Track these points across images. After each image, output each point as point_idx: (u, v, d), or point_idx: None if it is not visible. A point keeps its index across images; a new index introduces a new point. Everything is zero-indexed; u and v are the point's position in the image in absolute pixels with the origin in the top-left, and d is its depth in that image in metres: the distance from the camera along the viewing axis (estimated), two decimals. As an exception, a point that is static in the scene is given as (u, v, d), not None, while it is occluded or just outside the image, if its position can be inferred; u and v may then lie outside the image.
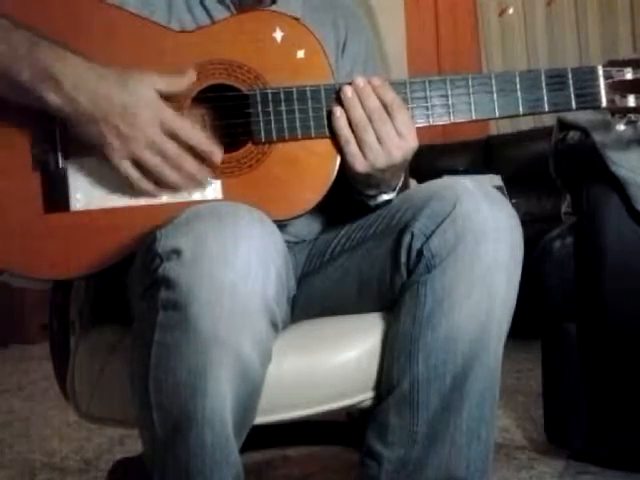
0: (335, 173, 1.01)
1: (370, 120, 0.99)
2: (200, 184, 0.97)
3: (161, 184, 0.95)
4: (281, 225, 0.96)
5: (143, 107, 0.92)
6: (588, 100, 1.05)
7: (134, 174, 0.94)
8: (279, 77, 1.00)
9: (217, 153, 0.96)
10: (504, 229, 0.95)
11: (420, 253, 0.96)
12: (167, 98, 0.95)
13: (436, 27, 4.42)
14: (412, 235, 0.97)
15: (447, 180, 1.02)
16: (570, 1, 4.18)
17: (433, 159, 3.66)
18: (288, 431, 1.24)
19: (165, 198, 0.97)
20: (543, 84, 1.03)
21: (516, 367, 2.49)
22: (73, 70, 0.91)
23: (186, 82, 0.97)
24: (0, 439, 2.20)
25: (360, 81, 1.00)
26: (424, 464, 0.96)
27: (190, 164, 0.95)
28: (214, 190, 0.98)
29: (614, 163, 1.50)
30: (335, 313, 1.09)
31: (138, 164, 0.93)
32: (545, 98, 1.04)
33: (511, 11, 4.33)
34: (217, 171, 0.98)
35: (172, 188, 0.96)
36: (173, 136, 0.94)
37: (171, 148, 0.93)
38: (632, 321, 1.53)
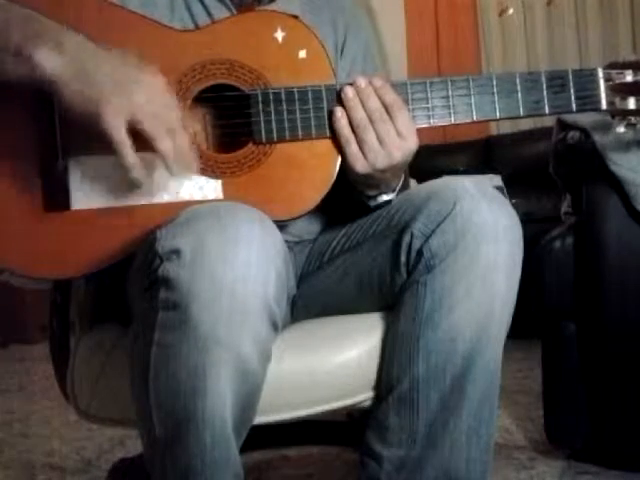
0: (335, 173, 1.01)
1: (371, 120, 0.99)
2: (188, 163, 0.92)
3: (147, 163, 0.90)
4: (281, 225, 0.96)
5: (142, 73, 0.89)
6: (588, 102, 1.05)
7: (124, 138, 0.87)
8: (280, 77, 1.00)
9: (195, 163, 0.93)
10: (504, 229, 0.95)
11: (420, 253, 0.96)
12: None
13: (436, 27, 4.41)
14: (412, 235, 0.97)
15: (447, 180, 1.02)
16: (570, 1, 4.18)
17: (433, 159, 3.65)
18: (288, 431, 1.24)
19: (166, 197, 0.97)
20: (544, 86, 1.04)
21: (516, 367, 2.49)
22: (71, 34, 0.89)
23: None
24: (0, 439, 2.20)
25: (361, 82, 1.00)
26: (424, 464, 0.96)
27: (183, 138, 0.90)
28: (214, 190, 0.98)
29: (614, 163, 1.50)
30: (335, 313, 1.09)
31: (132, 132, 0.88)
32: (545, 100, 1.04)
33: (511, 11, 4.33)
34: (218, 171, 0.98)
35: (155, 165, 0.91)
36: (168, 107, 0.90)
37: (168, 117, 0.89)
38: (632, 321, 1.53)
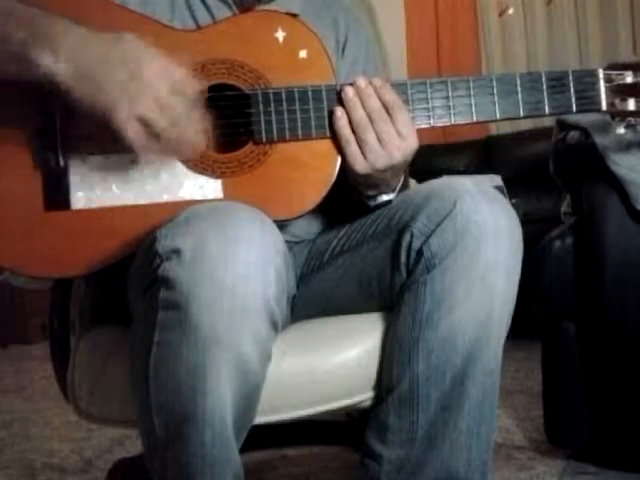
0: (336, 173, 1.01)
1: (371, 120, 0.99)
2: (198, 150, 0.93)
3: (161, 149, 0.91)
4: (281, 225, 0.96)
5: (145, 59, 0.89)
6: (588, 103, 1.05)
7: (139, 136, 0.88)
8: (281, 77, 1.00)
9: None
10: (504, 229, 0.95)
11: (420, 253, 0.96)
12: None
13: (436, 27, 4.42)
14: (412, 235, 0.97)
15: (447, 180, 1.02)
16: (570, 1, 4.18)
17: (433, 159, 3.65)
18: (288, 431, 1.24)
19: (166, 197, 0.97)
20: (544, 87, 1.04)
21: (516, 367, 2.50)
22: (72, 32, 0.88)
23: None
24: (0, 439, 2.20)
25: (361, 82, 1.00)
26: (424, 464, 0.96)
27: (191, 127, 0.91)
28: (214, 190, 0.98)
29: (614, 163, 1.50)
30: (335, 313, 1.09)
31: (144, 126, 0.88)
32: (545, 101, 1.04)
33: (511, 11, 4.33)
34: (218, 171, 0.98)
35: (170, 154, 0.93)
36: (178, 91, 0.90)
37: (177, 104, 0.90)
38: (632, 321, 1.53)
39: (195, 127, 0.92)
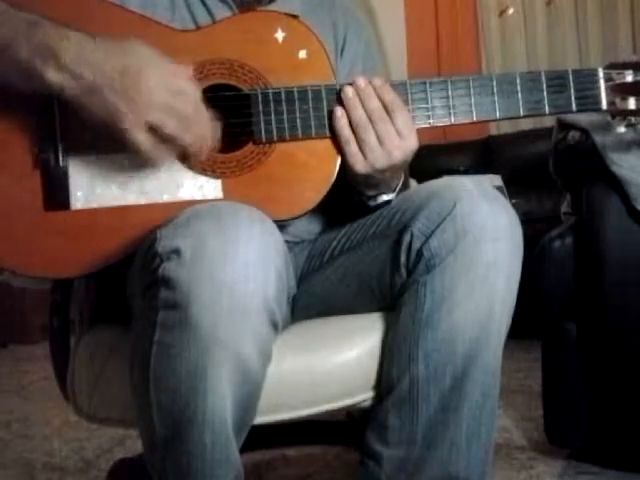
0: (335, 173, 1.01)
1: (370, 120, 0.99)
2: (211, 144, 0.94)
3: (173, 152, 0.92)
4: (281, 225, 0.96)
5: (145, 66, 0.89)
6: (588, 102, 1.05)
7: (148, 144, 0.89)
8: (280, 77, 1.00)
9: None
10: (504, 229, 0.95)
11: (420, 253, 0.96)
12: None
13: (436, 27, 4.41)
14: (412, 235, 0.97)
15: (447, 180, 1.02)
16: (570, 1, 4.18)
17: (433, 159, 3.65)
18: (288, 431, 1.24)
19: (166, 197, 0.97)
20: (544, 86, 1.04)
21: (516, 367, 2.49)
22: (73, 45, 0.89)
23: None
24: (0, 439, 2.20)
25: (361, 81, 1.00)
26: (424, 464, 0.96)
27: (199, 125, 0.92)
28: (214, 190, 0.98)
29: (614, 163, 1.50)
30: (335, 313, 1.09)
31: (151, 132, 0.89)
32: (546, 100, 1.04)
33: (511, 11, 4.33)
34: (218, 171, 0.98)
35: (183, 156, 0.94)
36: (181, 93, 0.91)
37: (184, 105, 0.90)
38: (632, 321, 1.53)
39: (204, 123, 0.92)
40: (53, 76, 0.88)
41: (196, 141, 0.92)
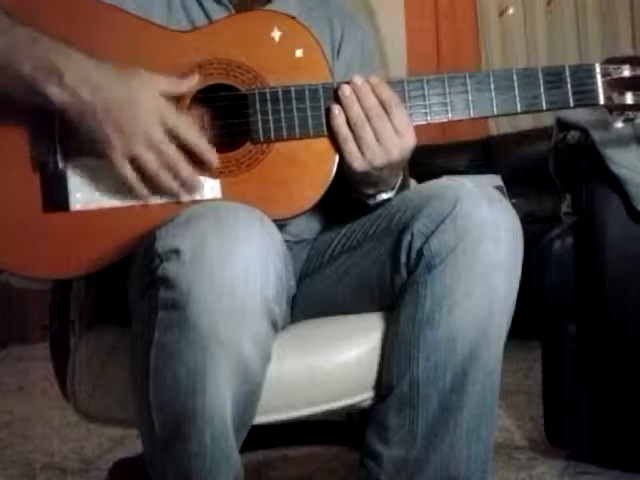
0: (334, 171, 1.01)
1: (368, 118, 0.99)
2: (193, 190, 0.97)
3: (154, 188, 0.95)
4: (281, 225, 0.96)
5: (144, 102, 0.92)
6: (586, 97, 1.05)
7: (131, 175, 0.93)
8: (277, 76, 1.00)
9: (213, 159, 0.96)
10: (504, 229, 0.95)
11: (420, 253, 0.96)
12: (167, 99, 0.95)
13: (436, 27, 4.41)
14: (412, 235, 0.97)
15: (447, 180, 1.02)
16: (570, 1, 4.17)
17: (433, 159, 3.65)
18: (288, 431, 1.24)
19: (165, 197, 0.97)
20: (541, 82, 1.04)
21: (516, 367, 2.49)
22: (75, 64, 0.91)
23: (187, 84, 0.97)
24: (0, 439, 2.20)
25: (358, 80, 1.00)
26: (424, 464, 0.96)
27: (186, 170, 0.95)
28: (213, 190, 0.98)
29: (614, 163, 1.49)
30: (335, 313, 1.09)
31: (135, 165, 0.93)
32: (543, 96, 1.04)
33: (511, 11, 4.33)
34: (214, 173, 0.98)
35: (165, 193, 0.96)
36: (173, 136, 0.93)
37: (170, 150, 0.93)
38: (632, 321, 1.53)
39: (186, 170, 0.95)
40: (55, 92, 0.90)
41: (177, 182, 0.95)
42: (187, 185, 0.95)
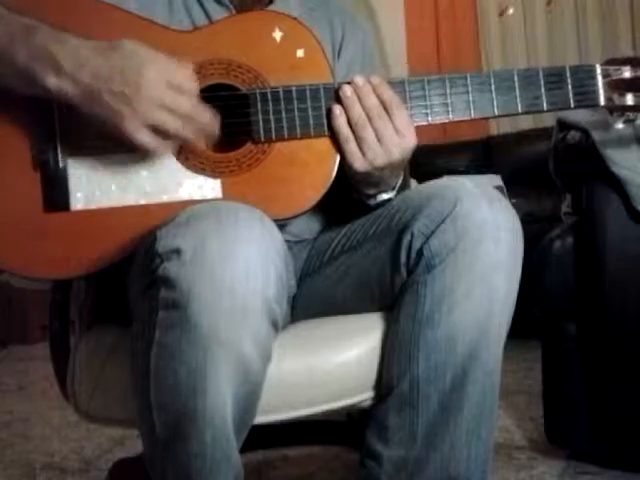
0: (334, 172, 1.01)
1: (369, 118, 0.99)
2: (213, 137, 0.96)
3: (176, 144, 0.94)
4: (281, 224, 0.97)
5: (143, 65, 0.90)
6: (586, 98, 1.05)
7: (150, 139, 0.91)
8: (278, 76, 1.00)
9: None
10: (504, 229, 0.95)
11: (420, 253, 0.96)
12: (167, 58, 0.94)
13: (436, 27, 4.41)
14: (412, 235, 0.97)
15: (447, 180, 1.02)
16: (570, 1, 4.17)
17: (433, 159, 3.65)
18: (288, 431, 1.24)
19: (165, 197, 0.97)
20: (541, 82, 1.04)
21: (516, 367, 2.49)
22: (71, 49, 0.90)
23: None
24: (0, 439, 2.20)
25: (359, 80, 1.00)
26: (424, 464, 0.96)
27: (205, 116, 0.93)
28: (214, 189, 0.98)
29: (614, 163, 1.49)
30: (335, 313, 1.09)
31: (154, 130, 0.91)
32: (543, 96, 1.04)
33: (511, 11, 4.33)
34: (217, 170, 0.98)
35: (187, 146, 0.95)
36: (181, 90, 0.91)
37: (184, 104, 0.91)
38: (632, 321, 1.53)
39: (204, 117, 0.93)
40: (53, 81, 0.89)
41: (198, 135, 0.93)
42: (210, 131, 0.94)
